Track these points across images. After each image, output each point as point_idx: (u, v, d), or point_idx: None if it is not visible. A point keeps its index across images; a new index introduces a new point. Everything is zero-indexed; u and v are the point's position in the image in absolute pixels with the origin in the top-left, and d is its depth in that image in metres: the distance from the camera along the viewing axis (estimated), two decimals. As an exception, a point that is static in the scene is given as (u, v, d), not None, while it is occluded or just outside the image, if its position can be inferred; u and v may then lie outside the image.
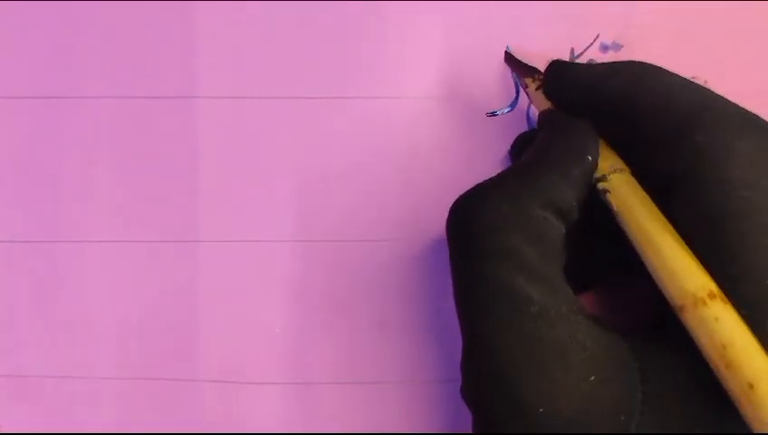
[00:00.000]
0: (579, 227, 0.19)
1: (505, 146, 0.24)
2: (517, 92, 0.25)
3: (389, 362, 0.24)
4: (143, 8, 0.25)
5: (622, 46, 0.25)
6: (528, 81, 0.23)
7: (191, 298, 0.25)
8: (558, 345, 0.17)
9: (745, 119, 0.18)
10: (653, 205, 0.18)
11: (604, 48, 0.25)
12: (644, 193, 0.18)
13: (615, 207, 0.18)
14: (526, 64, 0.24)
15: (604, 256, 0.21)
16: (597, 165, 0.19)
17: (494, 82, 0.25)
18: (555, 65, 0.21)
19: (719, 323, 0.16)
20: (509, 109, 0.25)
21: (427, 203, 0.25)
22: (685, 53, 0.25)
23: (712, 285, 0.16)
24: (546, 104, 0.22)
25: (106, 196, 0.25)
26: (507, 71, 0.25)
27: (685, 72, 0.25)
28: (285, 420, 0.24)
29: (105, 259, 0.25)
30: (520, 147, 0.24)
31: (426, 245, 0.24)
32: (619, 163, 0.19)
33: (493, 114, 0.25)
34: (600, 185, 0.19)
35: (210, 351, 0.25)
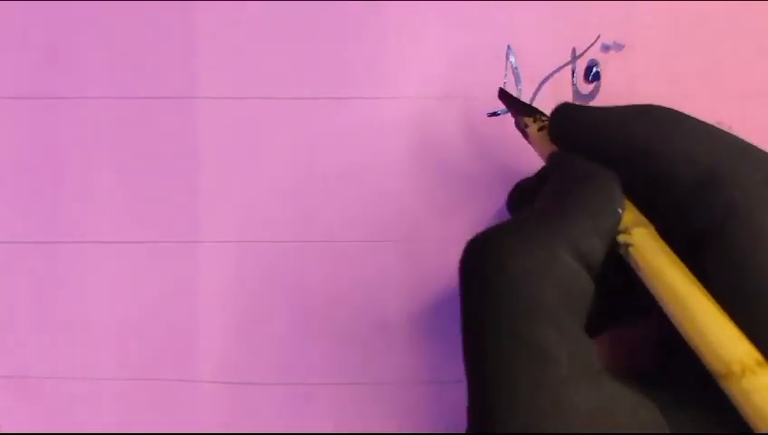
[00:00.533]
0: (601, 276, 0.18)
1: (505, 147, 0.24)
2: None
3: (389, 362, 0.24)
4: (143, 8, 0.25)
5: (624, 46, 0.25)
6: (528, 120, 0.21)
7: (191, 298, 0.25)
8: (585, 411, 0.15)
9: None
10: (682, 264, 0.17)
11: (605, 48, 0.25)
12: (671, 251, 0.17)
13: (640, 263, 0.17)
14: (523, 102, 0.23)
15: (616, 304, 0.19)
16: (621, 218, 0.17)
17: (494, 82, 0.25)
18: (564, 108, 0.20)
19: None
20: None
21: (427, 203, 0.25)
22: (685, 52, 0.25)
23: (756, 353, 0.15)
24: (550, 147, 0.20)
25: (106, 196, 0.25)
26: (509, 70, 0.25)
27: (686, 71, 0.25)
28: (285, 420, 0.24)
29: (105, 259, 0.25)
30: (519, 198, 0.23)
31: (426, 245, 0.24)
32: (642, 218, 0.18)
33: (494, 114, 0.25)
34: (622, 238, 0.17)
35: (210, 351, 0.25)
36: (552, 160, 0.20)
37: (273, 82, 0.25)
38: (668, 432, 0.16)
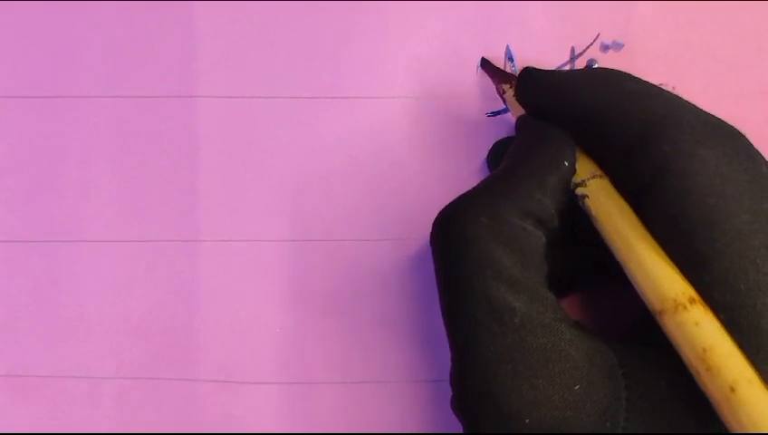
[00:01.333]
0: (560, 233, 0.19)
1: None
2: None
3: (389, 361, 0.24)
4: (143, 8, 0.25)
5: (623, 45, 0.25)
6: (505, 87, 0.23)
7: (191, 298, 0.25)
8: (542, 355, 0.17)
9: (709, 125, 0.18)
10: (630, 211, 0.18)
11: (605, 47, 0.25)
12: (621, 199, 0.18)
13: (593, 213, 0.18)
14: (502, 70, 0.24)
15: (586, 260, 0.21)
16: (574, 170, 0.19)
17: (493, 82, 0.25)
18: (526, 71, 0.21)
19: (699, 328, 0.16)
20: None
21: (427, 203, 0.25)
22: (685, 52, 0.25)
23: (691, 291, 0.16)
24: (521, 111, 0.22)
25: (106, 196, 0.25)
26: (507, 70, 0.25)
27: (686, 71, 0.25)
28: (285, 419, 0.24)
29: (105, 259, 0.25)
30: (497, 154, 0.24)
31: (425, 244, 0.24)
32: (597, 169, 0.19)
33: (494, 114, 0.25)
34: (579, 190, 0.19)
35: (210, 350, 0.25)
36: (517, 123, 0.22)
37: (272, 81, 0.25)
38: (620, 375, 0.17)
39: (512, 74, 0.23)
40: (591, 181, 0.19)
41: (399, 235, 0.24)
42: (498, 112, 0.25)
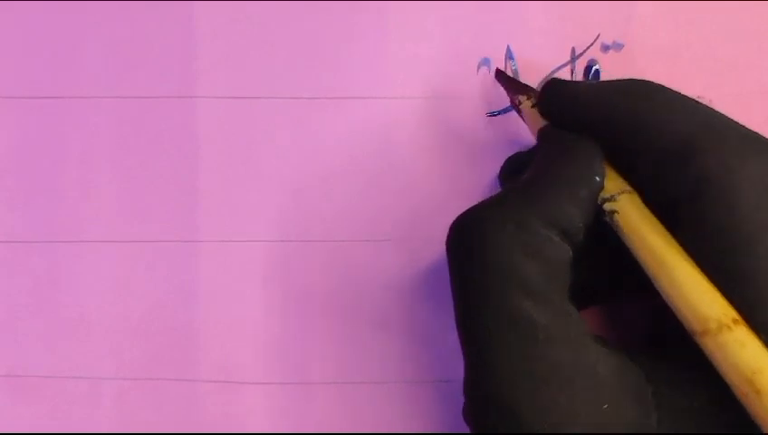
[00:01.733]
0: (583, 248, 0.18)
1: (505, 148, 0.24)
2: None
3: (389, 361, 0.24)
4: (143, 8, 0.25)
5: (623, 46, 0.25)
6: (522, 98, 0.22)
7: (191, 298, 0.25)
8: (565, 371, 0.16)
9: (749, 139, 0.18)
10: (663, 228, 0.17)
11: (605, 48, 0.25)
12: (653, 216, 0.18)
13: (624, 229, 0.18)
14: (518, 81, 0.23)
15: (605, 275, 0.20)
16: (603, 186, 0.18)
17: (494, 82, 0.25)
18: (553, 83, 0.21)
19: (746, 349, 0.15)
20: (509, 108, 0.25)
21: (428, 204, 0.25)
22: (685, 52, 0.25)
23: (733, 312, 0.16)
24: (541, 122, 0.21)
25: (106, 196, 0.25)
26: (508, 70, 0.25)
27: (686, 71, 0.25)
28: (285, 420, 0.24)
29: (104, 259, 0.25)
30: (509, 171, 0.23)
31: (426, 245, 0.24)
32: (626, 185, 0.18)
33: (493, 114, 0.25)
34: (608, 205, 0.18)
35: (210, 351, 0.25)
36: (540, 135, 0.21)
37: (272, 81, 0.25)
38: (649, 394, 0.17)
39: (528, 86, 0.23)
40: (621, 196, 0.18)
41: (400, 236, 0.24)
42: (498, 113, 0.25)
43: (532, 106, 0.22)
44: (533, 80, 0.25)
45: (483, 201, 0.19)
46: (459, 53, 0.25)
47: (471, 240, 0.18)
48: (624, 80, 0.20)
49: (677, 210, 0.17)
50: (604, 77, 0.25)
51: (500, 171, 0.24)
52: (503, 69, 0.24)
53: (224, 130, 0.25)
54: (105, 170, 0.25)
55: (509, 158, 0.24)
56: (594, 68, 0.25)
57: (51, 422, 0.25)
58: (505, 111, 0.24)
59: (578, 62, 0.25)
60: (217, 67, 0.25)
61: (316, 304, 0.25)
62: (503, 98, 0.25)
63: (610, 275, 0.20)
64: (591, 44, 0.25)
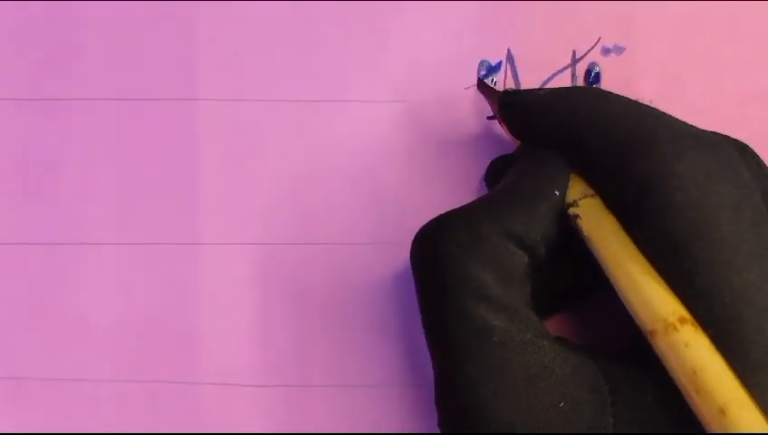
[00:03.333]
0: (547, 257, 0.19)
1: (504, 149, 0.24)
2: None
3: (388, 365, 0.24)
4: (144, 9, 0.25)
5: (624, 48, 0.25)
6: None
7: (190, 300, 0.25)
8: (525, 373, 0.17)
9: (688, 137, 0.18)
10: (622, 231, 0.18)
11: (606, 51, 0.25)
12: (613, 219, 0.18)
13: (585, 233, 0.18)
14: (496, 90, 0.24)
15: (576, 279, 0.21)
16: (563, 198, 0.19)
17: (494, 84, 0.25)
18: (506, 94, 0.21)
19: (689, 349, 0.16)
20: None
21: (428, 205, 0.25)
22: (686, 55, 0.25)
23: (682, 311, 0.16)
24: None
25: (106, 198, 0.25)
26: (508, 73, 0.25)
27: (687, 74, 0.25)
28: (285, 422, 0.24)
29: (104, 261, 0.25)
30: (494, 172, 0.24)
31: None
32: (589, 189, 0.19)
33: (493, 118, 0.25)
34: (572, 210, 0.19)
35: (209, 353, 0.25)
36: (518, 148, 0.22)
37: (273, 83, 0.25)
38: (606, 392, 0.17)
39: None
40: (583, 201, 0.19)
41: (400, 238, 0.24)
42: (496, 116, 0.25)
43: None
44: (534, 84, 0.25)
45: (443, 213, 0.19)
46: (460, 56, 0.25)
47: (428, 251, 0.19)
48: (569, 89, 0.20)
49: (626, 214, 0.18)
50: (605, 80, 0.25)
51: (485, 174, 0.24)
52: (503, 70, 0.25)
53: (224, 132, 0.25)
54: (105, 172, 0.25)
55: (493, 161, 0.24)
56: (595, 71, 0.25)
57: (50, 424, 0.25)
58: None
59: (579, 65, 0.25)
60: (218, 69, 0.25)
61: (315, 307, 0.24)
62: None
63: (582, 281, 0.20)
64: (592, 47, 0.25)
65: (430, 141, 0.25)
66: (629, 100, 0.19)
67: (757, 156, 0.19)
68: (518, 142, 0.22)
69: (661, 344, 0.16)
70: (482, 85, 0.24)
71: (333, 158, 0.25)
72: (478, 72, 0.25)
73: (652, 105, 0.19)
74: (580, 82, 0.25)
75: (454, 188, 0.25)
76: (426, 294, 0.19)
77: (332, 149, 0.25)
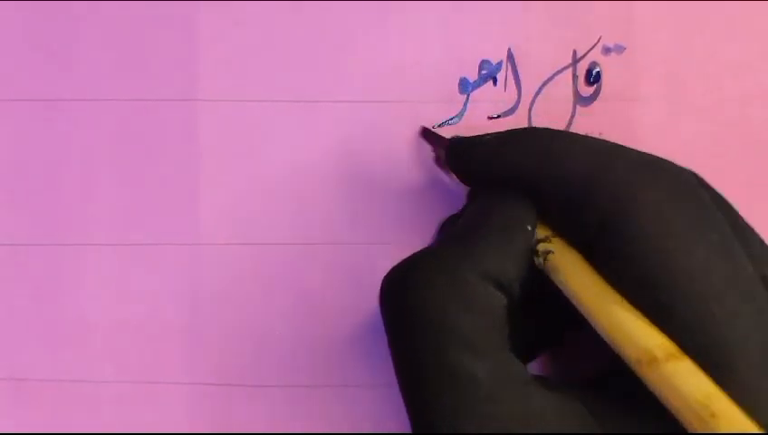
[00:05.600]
0: (521, 298, 0.18)
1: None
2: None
3: (389, 364, 0.24)
4: (144, 9, 0.25)
5: (625, 48, 0.25)
6: (442, 153, 0.22)
7: (191, 301, 0.25)
8: (513, 425, 0.16)
9: (644, 166, 0.17)
10: (590, 267, 0.17)
11: (606, 50, 0.25)
12: (580, 256, 0.18)
13: (560, 269, 0.18)
14: (441, 136, 0.23)
15: (550, 320, 0.20)
16: (534, 235, 0.18)
17: (495, 84, 0.25)
18: (453, 143, 0.21)
19: (698, 376, 0.15)
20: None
21: (429, 206, 0.25)
22: (687, 54, 0.25)
23: (668, 342, 0.16)
24: None
25: (106, 198, 0.25)
26: (509, 73, 0.25)
27: (687, 74, 0.25)
28: (284, 422, 0.24)
29: (105, 262, 0.25)
30: (448, 226, 0.23)
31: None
32: (549, 229, 0.19)
33: (494, 118, 0.25)
34: (542, 246, 0.18)
35: (210, 354, 0.25)
36: (469, 192, 0.21)
37: (274, 84, 0.25)
38: (595, 430, 0.16)
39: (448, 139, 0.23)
40: (555, 239, 0.18)
41: (400, 238, 0.24)
42: (498, 116, 0.25)
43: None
44: (534, 83, 0.25)
45: (414, 254, 0.18)
46: (459, 56, 0.25)
47: (403, 294, 0.17)
48: (515, 130, 0.20)
49: (591, 250, 0.17)
50: (606, 80, 0.25)
51: (438, 229, 0.24)
52: (503, 70, 0.24)
53: (224, 133, 0.25)
54: (106, 173, 0.25)
55: (444, 221, 0.24)
56: (595, 71, 0.25)
57: (51, 425, 0.25)
58: (506, 114, 0.24)
59: (579, 64, 0.25)
60: (218, 69, 0.25)
61: (315, 307, 0.24)
62: (504, 101, 0.25)
63: (556, 321, 0.20)
64: (593, 47, 0.25)
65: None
66: (580, 135, 0.19)
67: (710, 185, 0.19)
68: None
69: (654, 375, 0.16)
70: (425, 132, 0.24)
71: (334, 157, 0.25)
72: (479, 71, 0.25)
73: (602, 137, 0.19)
74: (581, 82, 0.25)
75: (455, 188, 0.24)
76: (401, 342, 0.17)
77: (333, 149, 0.25)
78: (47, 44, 0.25)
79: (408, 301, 0.17)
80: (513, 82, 0.25)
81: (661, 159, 0.18)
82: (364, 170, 0.25)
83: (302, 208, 0.25)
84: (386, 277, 0.18)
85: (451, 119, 0.25)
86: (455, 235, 0.18)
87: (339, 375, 0.24)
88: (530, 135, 0.19)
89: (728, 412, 0.15)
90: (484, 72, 0.25)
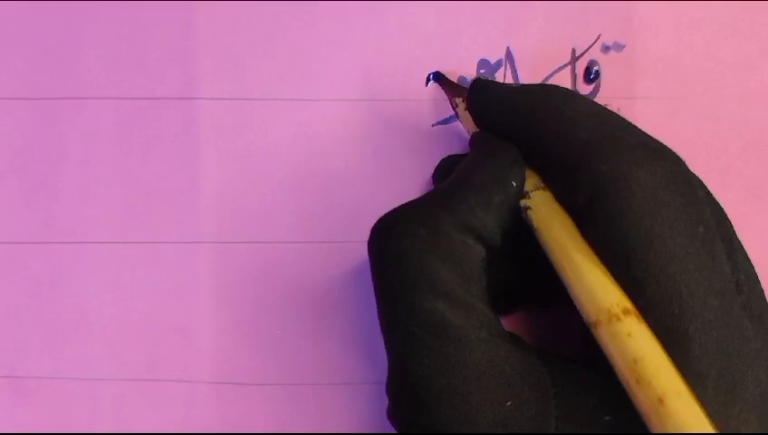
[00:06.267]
0: (503, 251, 0.19)
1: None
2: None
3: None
4: (143, 9, 0.25)
5: (624, 46, 0.25)
6: (458, 100, 0.23)
7: (190, 299, 0.25)
8: (476, 370, 0.17)
9: (649, 148, 0.18)
10: (572, 224, 0.18)
11: (606, 48, 0.25)
12: (563, 212, 0.18)
13: (535, 224, 0.18)
14: (455, 84, 0.24)
15: (531, 278, 0.21)
16: (521, 191, 0.19)
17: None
18: (477, 83, 0.21)
19: (631, 339, 0.16)
20: (455, 117, 0.24)
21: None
22: (686, 53, 0.25)
23: (626, 302, 0.16)
24: (474, 127, 0.21)
25: (106, 197, 0.25)
26: (508, 70, 0.25)
27: (687, 72, 0.25)
28: (284, 422, 0.24)
29: (104, 260, 0.25)
30: (443, 171, 0.24)
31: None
32: (541, 182, 0.19)
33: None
34: (522, 202, 0.19)
35: (209, 352, 0.25)
36: (471, 140, 0.22)
37: (272, 83, 0.25)
38: (551, 394, 0.17)
39: (464, 88, 0.23)
40: (535, 193, 0.19)
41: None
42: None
43: (465, 109, 0.22)
44: (534, 79, 0.25)
45: (402, 205, 0.19)
46: (459, 54, 0.25)
47: (387, 244, 0.18)
48: (538, 86, 0.20)
49: (579, 213, 0.18)
50: (605, 78, 0.25)
51: (433, 172, 0.24)
52: (502, 68, 0.24)
53: (223, 131, 0.25)
54: (105, 172, 0.25)
55: (443, 159, 0.24)
56: (595, 69, 0.25)
57: (50, 423, 0.25)
58: (453, 119, 0.24)
59: (578, 62, 0.25)
60: (217, 68, 0.25)
61: (315, 307, 0.24)
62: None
63: (534, 275, 0.20)
64: (592, 45, 0.25)
65: (432, 140, 0.25)
66: (595, 103, 0.19)
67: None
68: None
69: (604, 335, 0.16)
70: (441, 78, 0.24)
71: (333, 157, 0.25)
72: (478, 70, 0.25)
73: (619, 112, 0.19)
74: (580, 80, 0.25)
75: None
76: (383, 286, 0.18)
77: (332, 148, 0.25)
78: (47, 44, 0.25)
79: (391, 247, 0.18)
80: (512, 80, 0.25)
81: (666, 146, 0.18)
82: (364, 169, 0.25)
83: (301, 208, 0.25)
84: (376, 224, 0.19)
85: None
86: (442, 188, 0.19)
87: (338, 374, 0.24)
88: (547, 90, 0.20)
89: (652, 379, 0.15)
90: (482, 70, 0.25)
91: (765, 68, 0.25)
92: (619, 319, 0.16)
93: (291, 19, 0.25)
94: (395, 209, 0.19)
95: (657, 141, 0.18)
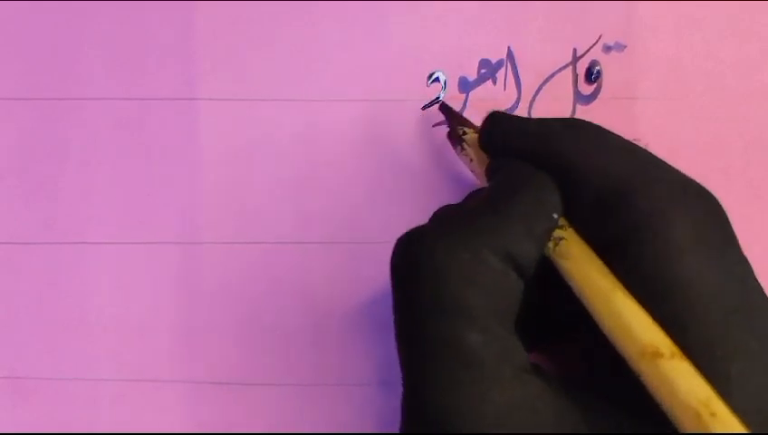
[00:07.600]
0: (530, 281, 0.18)
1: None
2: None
3: (390, 364, 0.24)
4: (143, 9, 0.25)
5: (625, 47, 0.25)
6: (469, 130, 0.22)
7: (190, 299, 0.25)
8: (508, 409, 0.16)
9: (685, 184, 0.17)
10: (600, 260, 0.17)
11: (607, 49, 0.25)
12: (589, 247, 0.18)
13: (565, 257, 0.17)
14: (461, 115, 0.23)
15: (559, 311, 0.20)
16: (558, 223, 0.18)
17: (495, 83, 0.25)
18: (494, 117, 0.21)
19: (699, 378, 0.15)
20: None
21: (430, 205, 0.24)
22: (687, 53, 0.25)
23: (669, 341, 0.16)
24: (484, 157, 0.21)
25: (106, 197, 0.25)
26: (508, 70, 0.25)
27: (688, 73, 0.25)
28: (285, 422, 0.24)
29: (104, 260, 0.25)
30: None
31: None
32: (564, 220, 0.18)
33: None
34: (557, 232, 0.18)
35: (209, 352, 0.25)
36: (493, 166, 0.20)
37: (272, 83, 0.25)
38: (585, 428, 0.16)
39: (470, 121, 0.23)
40: (567, 228, 0.18)
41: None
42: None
43: (476, 139, 0.21)
44: (534, 82, 0.25)
45: (432, 223, 0.18)
46: (460, 54, 0.25)
47: (420, 264, 0.17)
48: (565, 119, 0.20)
49: (611, 252, 0.17)
50: (606, 78, 0.25)
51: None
52: (503, 69, 0.24)
53: (223, 132, 0.25)
54: (105, 172, 0.25)
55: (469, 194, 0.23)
56: (596, 69, 0.25)
57: (50, 423, 0.25)
58: (508, 111, 0.24)
59: (579, 63, 0.25)
60: (217, 68, 0.25)
61: (315, 307, 0.24)
62: (504, 100, 0.25)
63: (555, 312, 0.20)
64: (593, 45, 0.25)
65: (433, 140, 0.25)
66: (626, 139, 0.19)
67: None
68: (485, 169, 0.21)
69: (663, 368, 0.16)
70: (446, 108, 0.24)
71: (334, 157, 0.25)
72: (478, 70, 0.25)
73: (647, 148, 0.19)
74: (582, 80, 0.25)
75: (456, 188, 0.24)
76: (410, 311, 0.17)
77: (333, 148, 0.25)
78: (47, 44, 0.25)
79: (424, 269, 0.17)
80: (513, 80, 0.25)
81: (696, 181, 0.18)
82: (364, 169, 0.25)
83: (302, 208, 0.25)
84: (401, 240, 0.18)
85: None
86: (479, 209, 0.18)
87: (337, 374, 0.24)
88: (582, 124, 0.19)
89: (727, 415, 0.15)
90: (483, 70, 0.25)
91: (765, 68, 0.25)
92: (680, 356, 0.16)
93: (291, 19, 0.25)
94: (426, 227, 0.18)
95: (688, 177, 0.18)
